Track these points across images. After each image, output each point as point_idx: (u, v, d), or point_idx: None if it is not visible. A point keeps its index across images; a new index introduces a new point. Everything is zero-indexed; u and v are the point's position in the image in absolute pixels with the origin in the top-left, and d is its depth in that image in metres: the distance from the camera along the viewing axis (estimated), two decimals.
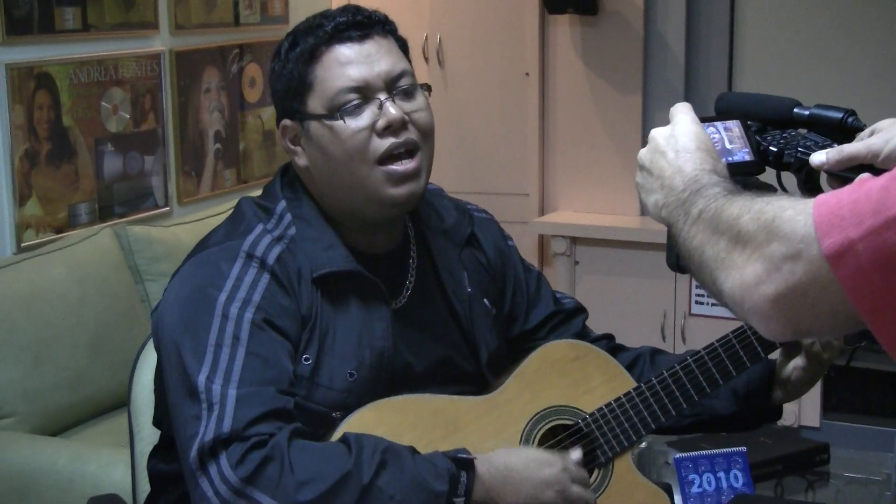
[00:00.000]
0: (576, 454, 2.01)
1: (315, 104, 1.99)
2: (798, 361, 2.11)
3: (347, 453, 1.81)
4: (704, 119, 1.57)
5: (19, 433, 3.39)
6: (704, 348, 2.10)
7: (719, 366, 2.09)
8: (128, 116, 4.34)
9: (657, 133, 1.51)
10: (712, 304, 4.69)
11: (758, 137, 1.62)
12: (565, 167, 5.08)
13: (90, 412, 3.66)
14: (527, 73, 5.07)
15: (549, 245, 5.04)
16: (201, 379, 1.84)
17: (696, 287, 4.75)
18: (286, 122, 2.04)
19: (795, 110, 1.66)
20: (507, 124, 5.14)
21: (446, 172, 5.12)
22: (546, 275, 5.05)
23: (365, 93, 1.97)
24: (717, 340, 2.11)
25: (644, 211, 2.23)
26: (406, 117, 1.98)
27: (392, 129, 1.96)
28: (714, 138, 1.56)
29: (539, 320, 2.23)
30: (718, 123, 1.60)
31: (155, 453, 2.11)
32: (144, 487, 2.17)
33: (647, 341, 4.61)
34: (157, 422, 2.09)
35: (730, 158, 1.57)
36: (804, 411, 4.60)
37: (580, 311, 2.30)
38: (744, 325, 2.12)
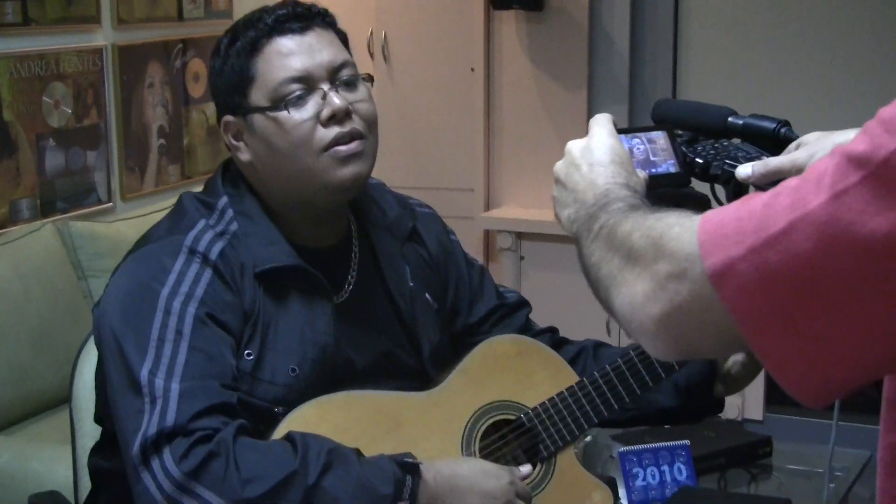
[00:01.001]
0: (525, 468, 2.02)
1: (258, 97, 1.98)
2: (738, 357, 2.13)
3: (293, 452, 1.80)
4: (628, 130, 1.55)
5: None
6: None
7: (661, 361, 2.10)
8: (70, 111, 4.30)
9: (572, 146, 1.48)
10: None
11: (685, 148, 1.59)
12: (511, 162, 5.09)
13: (34, 408, 3.63)
14: (472, 69, 5.08)
15: (494, 240, 5.06)
16: (144, 373, 1.83)
17: None
18: (228, 117, 2.03)
19: (730, 119, 1.63)
20: (453, 119, 5.15)
21: (392, 168, 5.11)
22: (492, 270, 5.11)
23: (308, 83, 1.97)
24: None
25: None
26: (350, 107, 1.98)
27: (336, 118, 1.96)
28: (638, 150, 1.54)
29: (482, 314, 2.23)
30: (642, 135, 1.56)
31: (96, 450, 2.09)
32: (86, 484, 2.15)
33: (593, 335, 4.59)
34: (98, 418, 2.08)
35: (653, 170, 1.54)
36: (748, 404, 4.64)
37: (523, 304, 2.31)
38: None
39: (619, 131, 1.50)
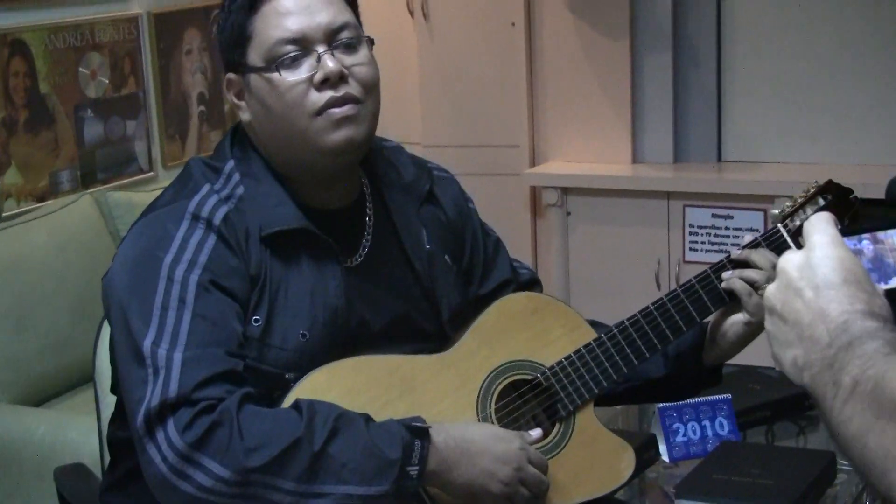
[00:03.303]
0: (535, 432, 1.98)
1: (254, 56, 1.95)
2: (739, 317, 2.07)
3: (299, 419, 1.78)
4: (852, 231, 1.22)
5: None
6: (666, 295, 2.06)
7: (681, 313, 2.05)
8: (107, 81, 4.30)
9: (787, 264, 1.16)
10: (706, 251, 4.65)
11: None
12: (555, 117, 5.02)
13: (74, 380, 3.64)
14: (513, 23, 5.00)
15: (540, 196, 4.99)
16: (147, 343, 1.82)
17: (690, 233, 4.71)
18: (230, 75, 2.00)
19: None
20: (495, 76, 5.08)
21: (435, 127, 5.06)
22: (538, 226, 5.07)
23: (303, 45, 1.92)
24: (681, 286, 2.07)
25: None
26: (345, 70, 1.92)
27: (330, 82, 1.91)
28: (868, 250, 1.21)
29: (493, 286, 2.18)
30: (867, 235, 1.22)
31: (113, 420, 2.08)
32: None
33: (642, 289, 4.61)
34: (114, 388, 2.06)
35: (888, 283, 1.21)
36: None
37: (535, 282, 2.25)
38: (707, 270, 2.07)
39: (843, 232, 1.17)
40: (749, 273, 2.04)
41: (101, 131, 4.28)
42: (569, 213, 4.91)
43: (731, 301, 2.06)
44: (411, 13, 5.19)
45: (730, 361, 2.21)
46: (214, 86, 4.80)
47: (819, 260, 1.13)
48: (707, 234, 4.66)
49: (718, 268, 2.07)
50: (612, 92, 4.84)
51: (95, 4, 4.26)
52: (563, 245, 4.92)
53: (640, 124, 4.90)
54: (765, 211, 4.51)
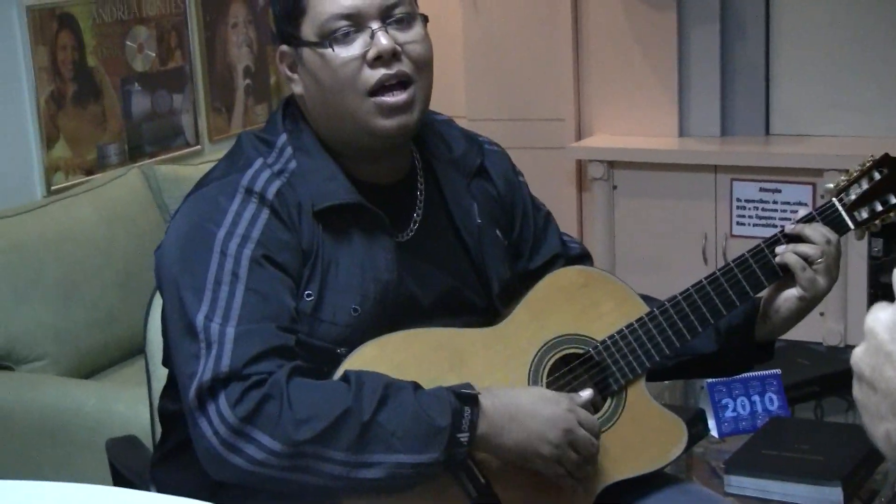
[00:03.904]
0: (585, 394, 1.96)
1: (308, 30, 1.94)
2: (792, 291, 2.04)
3: (347, 390, 1.78)
4: None
5: (48, 375, 3.40)
6: (719, 269, 2.05)
7: (734, 287, 2.03)
8: (153, 55, 4.31)
9: (875, 324, 1.04)
10: (754, 225, 4.62)
11: None
12: (600, 90, 5.00)
13: (121, 353, 3.67)
14: None
15: (586, 170, 4.97)
16: (199, 317, 1.82)
17: (738, 207, 4.67)
18: (283, 47, 2.00)
19: None
20: (541, 49, 5.06)
21: (481, 100, 5.05)
22: (584, 200, 5.06)
23: (357, 21, 1.91)
24: (734, 260, 2.05)
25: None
26: (398, 48, 1.91)
27: (383, 59, 1.90)
28: None
29: (543, 260, 2.16)
30: None
31: (164, 393, 2.09)
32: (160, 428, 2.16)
33: (689, 264, 4.58)
34: (165, 361, 2.07)
35: None
36: (850, 330, 4.52)
37: (586, 257, 2.24)
38: (760, 244, 2.06)
39: None
40: (803, 248, 2.02)
41: (148, 105, 4.30)
42: (615, 187, 4.90)
43: (785, 276, 2.04)
44: None
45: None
46: (260, 59, 4.80)
47: None
48: (754, 208, 4.63)
49: (772, 242, 2.05)
50: (658, 65, 4.81)
51: None
52: (608, 219, 4.90)
53: (687, 97, 4.87)
54: (813, 185, 4.48)
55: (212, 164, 4.21)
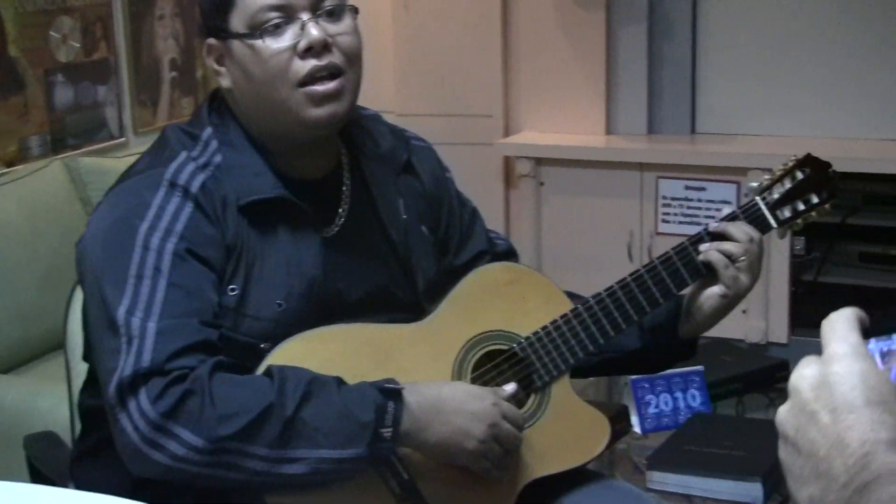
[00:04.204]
0: (510, 387, 1.97)
1: (237, 22, 1.92)
2: (715, 289, 2.06)
3: (270, 385, 1.77)
4: (882, 331, 1.01)
5: None
6: (644, 267, 2.06)
7: (658, 285, 2.05)
8: (78, 46, 4.25)
9: (800, 381, 0.97)
10: (679, 223, 4.65)
11: None
12: (529, 87, 5.01)
13: (42, 347, 3.61)
14: None
15: (513, 166, 4.98)
16: (121, 312, 1.80)
17: (663, 205, 4.71)
18: (211, 40, 1.98)
19: None
20: (470, 46, 5.06)
21: (410, 95, 5.04)
22: (511, 197, 5.06)
23: (287, 12, 1.90)
24: (658, 258, 2.07)
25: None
26: (329, 39, 1.90)
27: (314, 51, 1.89)
28: (892, 352, 1.00)
29: (469, 257, 2.17)
30: None
31: (85, 388, 2.06)
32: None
33: (614, 261, 4.61)
34: (86, 356, 2.05)
35: None
36: (771, 328, 4.57)
37: (512, 253, 2.24)
38: (685, 242, 2.07)
39: (871, 332, 0.99)
40: (726, 246, 2.04)
41: (72, 96, 4.24)
42: (542, 184, 4.91)
43: (708, 274, 2.06)
44: None
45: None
46: (187, 52, 4.76)
47: (837, 377, 0.95)
48: (680, 206, 4.67)
49: (696, 240, 2.07)
50: (586, 63, 4.83)
51: None
52: (535, 216, 4.92)
53: (614, 96, 4.90)
54: (738, 183, 4.52)
55: (136, 157, 4.18)
